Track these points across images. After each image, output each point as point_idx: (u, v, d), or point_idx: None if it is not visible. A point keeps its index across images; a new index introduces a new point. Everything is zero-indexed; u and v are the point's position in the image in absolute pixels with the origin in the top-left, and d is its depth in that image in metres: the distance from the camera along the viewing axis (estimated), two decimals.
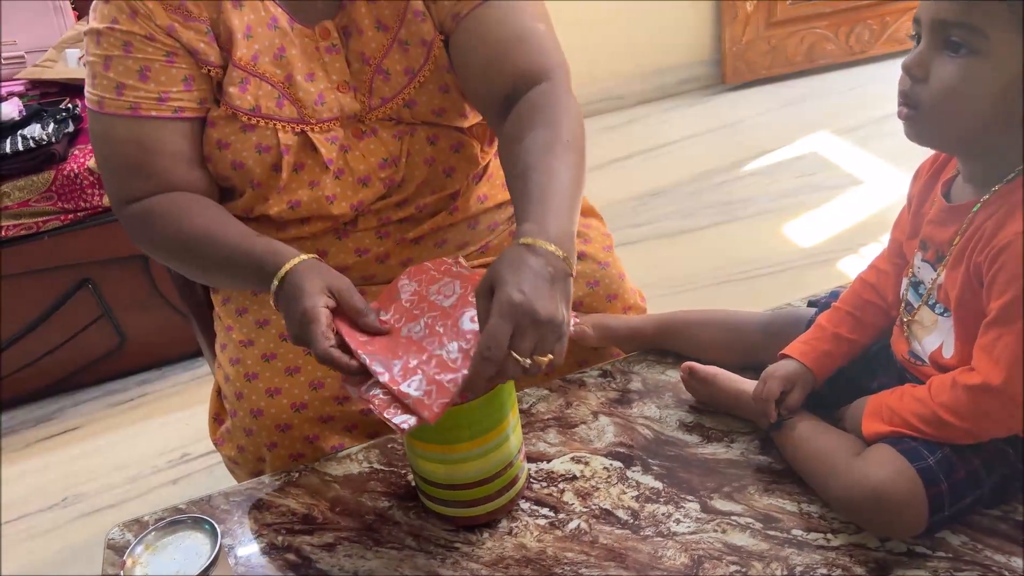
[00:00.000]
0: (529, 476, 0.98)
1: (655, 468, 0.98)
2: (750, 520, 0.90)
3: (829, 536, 0.88)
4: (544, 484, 0.98)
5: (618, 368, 1.12)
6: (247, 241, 1.02)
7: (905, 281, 0.93)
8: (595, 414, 1.06)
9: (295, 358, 1.12)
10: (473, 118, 1.18)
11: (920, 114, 0.81)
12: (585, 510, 0.94)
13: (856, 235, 2.41)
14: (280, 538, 0.96)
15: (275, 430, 1.10)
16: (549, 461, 1.00)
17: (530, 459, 1.00)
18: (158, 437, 2.07)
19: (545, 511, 0.95)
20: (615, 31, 3.11)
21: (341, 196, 1.13)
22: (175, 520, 0.83)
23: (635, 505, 0.94)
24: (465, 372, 0.82)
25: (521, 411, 1.06)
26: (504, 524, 0.94)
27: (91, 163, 1.99)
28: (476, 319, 0.84)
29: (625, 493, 0.95)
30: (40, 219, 2.00)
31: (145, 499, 1.90)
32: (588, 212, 1.32)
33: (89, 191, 2.00)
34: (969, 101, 0.79)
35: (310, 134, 1.10)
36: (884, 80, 3.14)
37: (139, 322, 2.20)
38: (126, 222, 1.11)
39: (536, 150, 0.97)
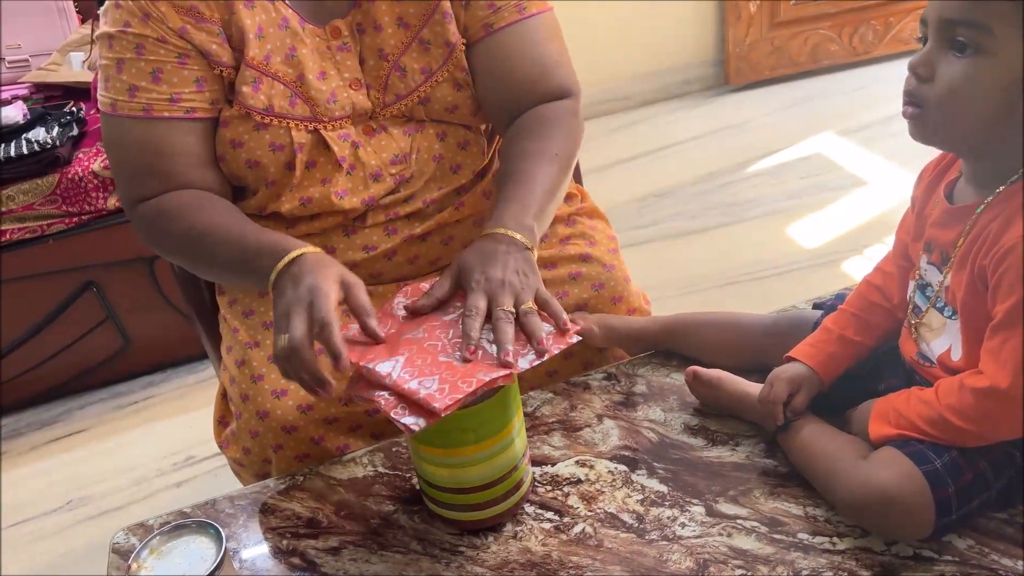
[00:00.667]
0: (534, 480, 0.98)
1: (660, 471, 0.98)
2: (755, 524, 0.90)
3: (835, 540, 0.87)
4: (549, 488, 0.97)
5: (623, 371, 1.12)
6: (257, 234, 1.04)
7: (912, 283, 0.92)
8: (600, 417, 1.06)
9: None
10: (482, 116, 1.20)
11: (925, 113, 0.81)
12: (590, 514, 0.94)
13: (861, 236, 2.40)
14: (285, 542, 0.96)
15: (281, 431, 1.09)
16: (554, 464, 1.00)
17: (535, 462, 1.00)
18: (163, 440, 2.07)
19: (550, 515, 0.94)
20: (619, 32, 3.11)
21: (352, 191, 1.14)
22: (180, 524, 0.83)
23: (640, 509, 0.93)
24: (480, 375, 0.82)
25: (526, 414, 1.06)
26: (509, 528, 0.93)
27: (95, 166, 1.99)
28: None
29: (630, 497, 0.95)
30: (44, 222, 2.00)
31: (150, 502, 1.90)
32: (593, 214, 1.32)
33: (93, 194, 2.00)
34: (974, 101, 0.78)
35: (323, 132, 1.12)
36: (888, 81, 3.13)
37: (143, 325, 2.20)
38: (137, 221, 1.12)
39: (523, 157, 1.09)
